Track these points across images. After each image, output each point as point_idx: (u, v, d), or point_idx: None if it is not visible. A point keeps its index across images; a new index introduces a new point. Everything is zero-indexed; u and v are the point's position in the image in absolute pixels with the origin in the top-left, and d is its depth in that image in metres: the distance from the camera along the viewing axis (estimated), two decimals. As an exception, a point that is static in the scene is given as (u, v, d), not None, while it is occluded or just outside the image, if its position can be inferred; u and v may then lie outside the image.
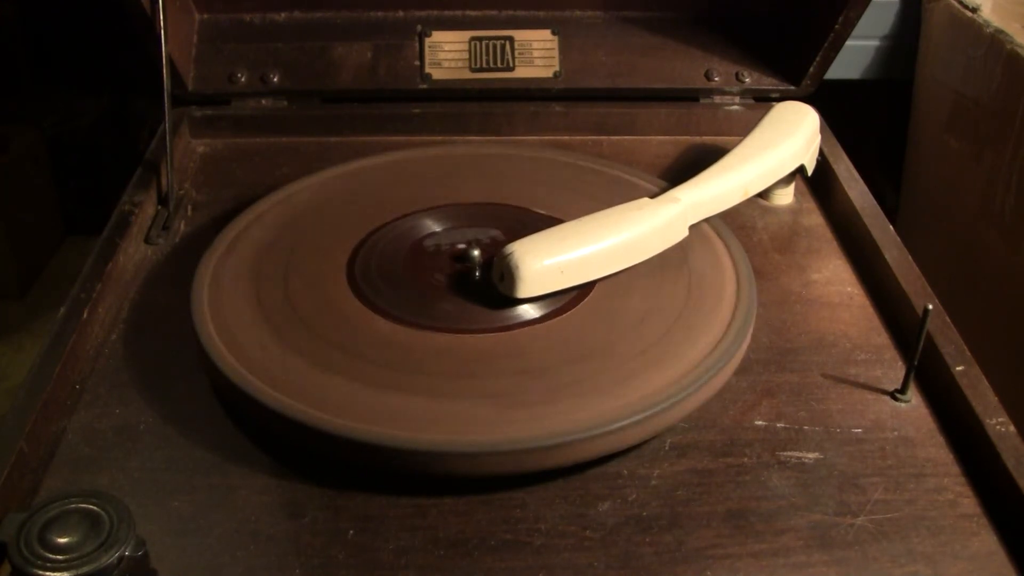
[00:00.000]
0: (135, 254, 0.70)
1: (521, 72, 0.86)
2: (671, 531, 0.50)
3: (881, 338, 0.64)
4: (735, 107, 0.87)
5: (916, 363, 0.58)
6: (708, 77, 0.87)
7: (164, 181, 0.75)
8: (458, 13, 0.87)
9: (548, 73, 0.87)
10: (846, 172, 0.78)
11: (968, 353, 0.59)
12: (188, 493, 0.51)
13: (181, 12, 0.83)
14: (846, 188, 0.75)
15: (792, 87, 0.87)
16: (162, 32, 0.75)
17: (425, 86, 0.86)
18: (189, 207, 0.76)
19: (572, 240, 0.61)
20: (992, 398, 0.56)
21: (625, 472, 0.53)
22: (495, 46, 0.87)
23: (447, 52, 0.86)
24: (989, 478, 0.53)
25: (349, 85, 0.86)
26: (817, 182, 0.79)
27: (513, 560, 0.48)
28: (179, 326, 0.61)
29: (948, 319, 0.62)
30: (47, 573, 0.42)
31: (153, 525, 0.49)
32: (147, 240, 0.71)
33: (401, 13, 0.87)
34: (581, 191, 0.73)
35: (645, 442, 0.54)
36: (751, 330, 0.60)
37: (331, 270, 0.64)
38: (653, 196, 0.67)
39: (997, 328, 0.90)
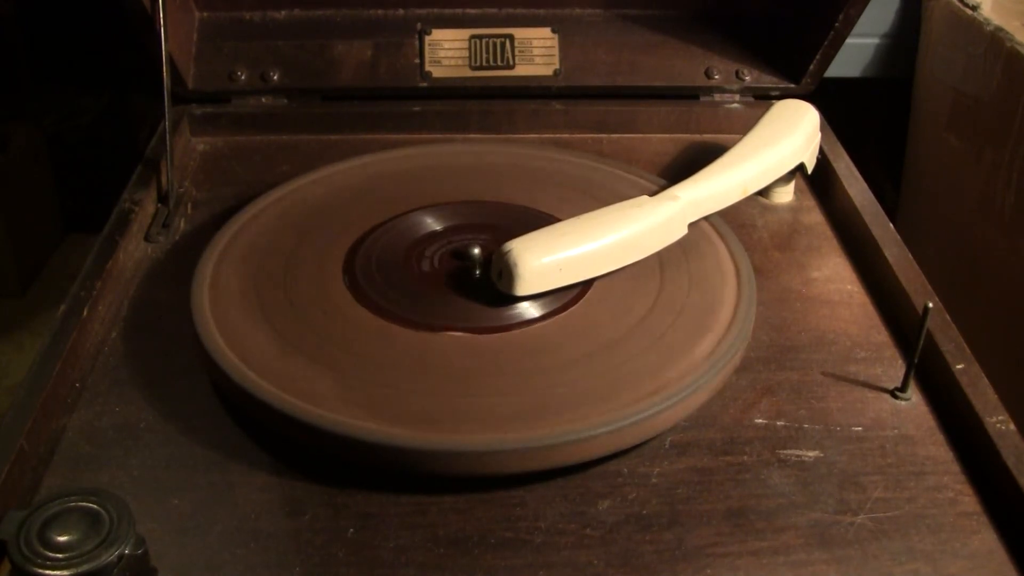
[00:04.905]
0: (135, 252, 0.70)
1: (521, 70, 0.86)
2: (671, 529, 0.50)
3: (881, 336, 0.64)
4: (735, 105, 0.87)
5: (916, 361, 0.58)
6: (708, 75, 0.87)
7: (164, 179, 0.75)
8: (458, 11, 0.87)
9: (548, 71, 0.86)
10: (846, 170, 0.78)
11: (968, 351, 0.59)
12: (188, 491, 0.51)
13: (181, 10, 0.83)
14: (846, 186, 0.75)
15: (792, 85, 0.87)
16: (162, 30, 0.75)
17: (425, 84, 0.86)
18: (189, 205, 0.76)
19: (571, 238, 0.61)
20: (992, 396, 0.56)
21: (625, 470, 0.53)
22: (495, 44, 0.87)
23: (447, 50, 0.86)
24: (989, 476, 0.53)
25: (349, 83, 0.86)
26: (817, 180, 0.79)
27: (513, 558, 0.48)
28: (179, 324, 0.61)
29: (948, 317, 0.62)
30: (47, 571, 0.42)
31: (153, 523, 0.49)
32: (147, 238, 0.71)
33: (401, 11, 0.87)
34: (580, 189, 0.73)
35: (645, 441, 0.54)
36: (751, 328, 0.60)
37: (330, 267, 0.64)
38: (652, 194, 0.67)
39: (997, 326, 0.90)
